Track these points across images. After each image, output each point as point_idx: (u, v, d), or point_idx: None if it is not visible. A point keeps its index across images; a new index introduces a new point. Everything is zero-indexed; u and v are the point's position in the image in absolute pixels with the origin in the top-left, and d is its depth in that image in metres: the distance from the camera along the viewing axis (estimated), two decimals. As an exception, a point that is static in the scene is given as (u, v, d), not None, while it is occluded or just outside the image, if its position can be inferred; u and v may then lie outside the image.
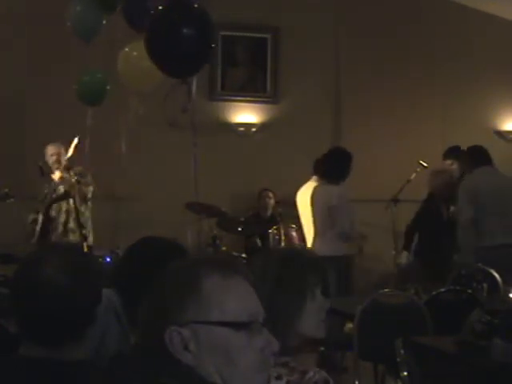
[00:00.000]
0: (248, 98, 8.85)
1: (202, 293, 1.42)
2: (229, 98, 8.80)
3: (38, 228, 6.61)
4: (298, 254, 2.24)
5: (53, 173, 6.81)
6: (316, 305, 2.12)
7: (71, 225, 6.76)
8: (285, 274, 2.10)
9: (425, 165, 6.47)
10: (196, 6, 4.63)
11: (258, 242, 7.83)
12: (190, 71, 4.70)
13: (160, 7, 4.62)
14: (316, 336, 2.13)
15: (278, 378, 1.95)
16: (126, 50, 5.21)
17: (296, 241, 7.68)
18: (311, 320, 2.11)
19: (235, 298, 1.43)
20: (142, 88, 5.47)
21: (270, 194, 8.26)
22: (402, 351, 3.47)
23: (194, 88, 5.23)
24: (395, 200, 7.08)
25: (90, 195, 6.82)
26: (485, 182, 6.00)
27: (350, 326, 4.80)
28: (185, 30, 4.42)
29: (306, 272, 2.13)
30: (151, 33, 4.60)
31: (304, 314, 2.10)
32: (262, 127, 8.84)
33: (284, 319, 2.05)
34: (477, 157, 6.10)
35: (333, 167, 6.22)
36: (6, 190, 6.43)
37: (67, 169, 6.64)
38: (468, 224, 5.94)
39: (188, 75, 4.71)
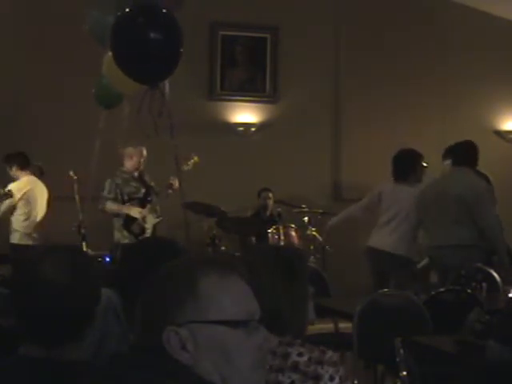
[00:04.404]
0: (247, 98, 8.85)
1: (199, 292, 1.42)
2: (228, 97, 8.81)
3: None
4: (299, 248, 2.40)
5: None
6: None
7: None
8: (300, 267, 2.22)
9: (425, 165, 6.46)
10: (164, 10, 4.49)
11: (254, 241, 7.83)
12: (158, 77, 4.57)
13: (126, 9, 4.48)
14: (312, 320, 2.28)
15: (300, 354, 2.02)
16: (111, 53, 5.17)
17: (295, 240, 7.67)
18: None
19: (232, 297, 1.44)
20: (125, 91, 5.41)
21: (270, 195, 8.26)
22: (402, 351, 3.47)
23: (167, 90, 5.14)
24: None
25: None
26: (435, 185, 6.03)
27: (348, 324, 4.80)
28: (151, 35, 4.28)
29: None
30: (116, 38, 4.45)
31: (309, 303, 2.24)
32: (261, 127, 8.84)
33: (298, 311, 2.16)
34: (455, 155, 6.07)
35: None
36: (7, 190, 6.44)
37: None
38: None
39: (156, 81, 4.58)
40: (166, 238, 2.66)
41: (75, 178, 6.63)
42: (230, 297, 1.44)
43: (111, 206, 6.87)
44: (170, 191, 6.99)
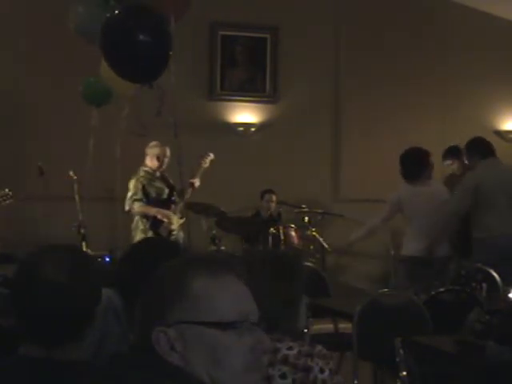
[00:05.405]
0: (247, 98, 8.85)
1: (191, 293, 1.41)
2: (228, 97, 8.80)
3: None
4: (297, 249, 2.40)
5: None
6: None
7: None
8: (298, 268, 2.26)
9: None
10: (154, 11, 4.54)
11: (254, 241, 7.82)
12: (148, 77, 4.60)
13: (116, 11, 4.51)
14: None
15: (289, 348, 2.05)
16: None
17: (295, 240, 7.67)
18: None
19: (224, 298, 1.42)
20: (122, 91, 5.43)
21: (274, 198, 8.17)
22: (401, 351, 3.48)
23: (171, 83, 5.13)
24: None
25: None
26: (489, 175, 6.05)
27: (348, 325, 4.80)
28: (140, 36, 4.31)
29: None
30: (105, 37, 4.48)
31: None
32: (261, 127, 8.84)
33: (296, 311, 2.19)
34: (481, 149, 6.14)
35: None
36: (7, 190, 6.43)
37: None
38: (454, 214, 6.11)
39: (146, 81, 4.61)
40: (166, 238, 2.66)
41: (75, 177, 6.63)
42: (221, 297, 1.42)
43: (140, 208, 6.82)
44: (191, 190, 6.96)
